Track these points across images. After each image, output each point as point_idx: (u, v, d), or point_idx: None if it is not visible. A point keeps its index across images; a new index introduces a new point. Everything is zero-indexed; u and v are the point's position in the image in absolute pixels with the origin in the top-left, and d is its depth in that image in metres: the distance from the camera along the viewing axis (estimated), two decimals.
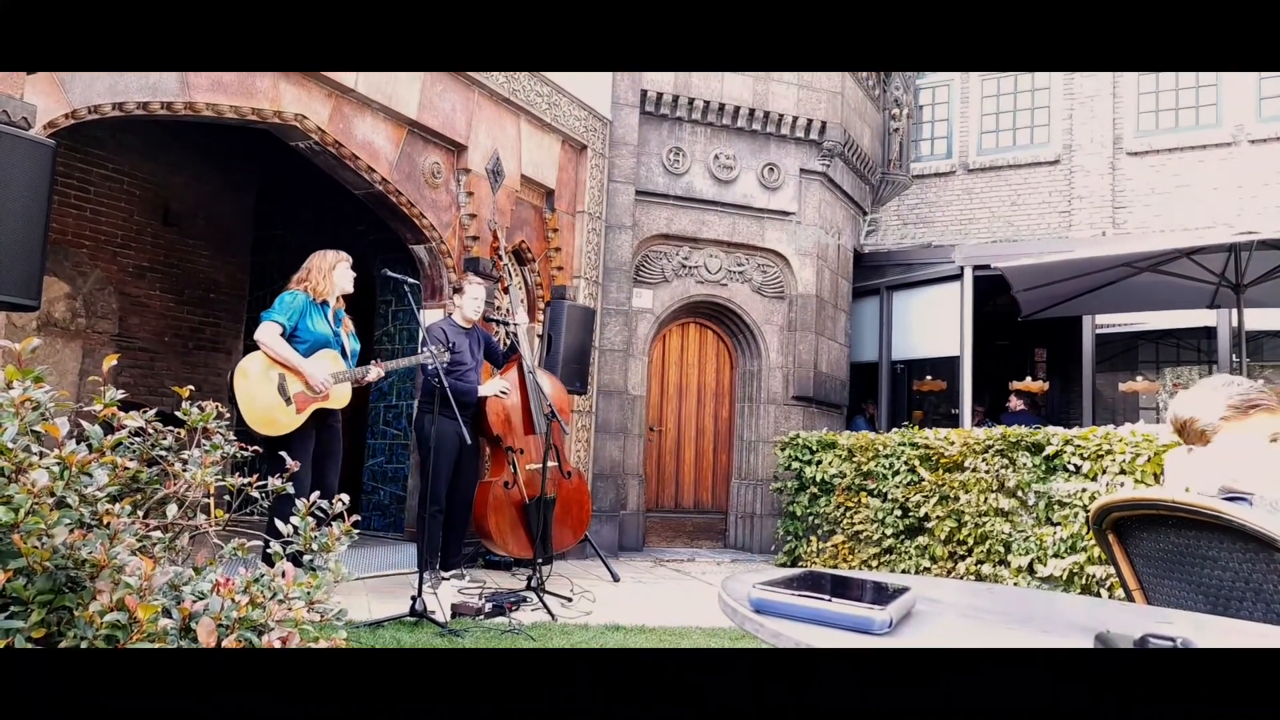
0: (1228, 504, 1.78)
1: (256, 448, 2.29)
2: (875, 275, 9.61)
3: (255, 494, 1.97)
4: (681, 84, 7.82)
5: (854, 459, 6.54)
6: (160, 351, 7.64)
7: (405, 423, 6.68)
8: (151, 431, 1.89)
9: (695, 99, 7.88)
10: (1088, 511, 4.58)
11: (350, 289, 4.47)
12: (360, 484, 6.89)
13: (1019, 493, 5.22)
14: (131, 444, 1.83)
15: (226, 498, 1.99)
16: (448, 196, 6.08)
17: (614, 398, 7.45)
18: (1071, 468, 4.97)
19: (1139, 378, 9.88)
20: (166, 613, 1.32)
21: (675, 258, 8.02)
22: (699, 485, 8.33)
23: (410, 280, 4.58)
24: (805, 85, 8.30)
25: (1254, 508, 1.82)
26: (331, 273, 4.35)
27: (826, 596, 1.13)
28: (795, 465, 7.05)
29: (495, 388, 5.26)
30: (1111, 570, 4.29)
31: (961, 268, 8.75)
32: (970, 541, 5.48)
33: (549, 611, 4.47)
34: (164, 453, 1.89)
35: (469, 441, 4.63)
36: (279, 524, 1.76)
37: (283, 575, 1.51)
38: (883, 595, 1.18)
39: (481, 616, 4.28)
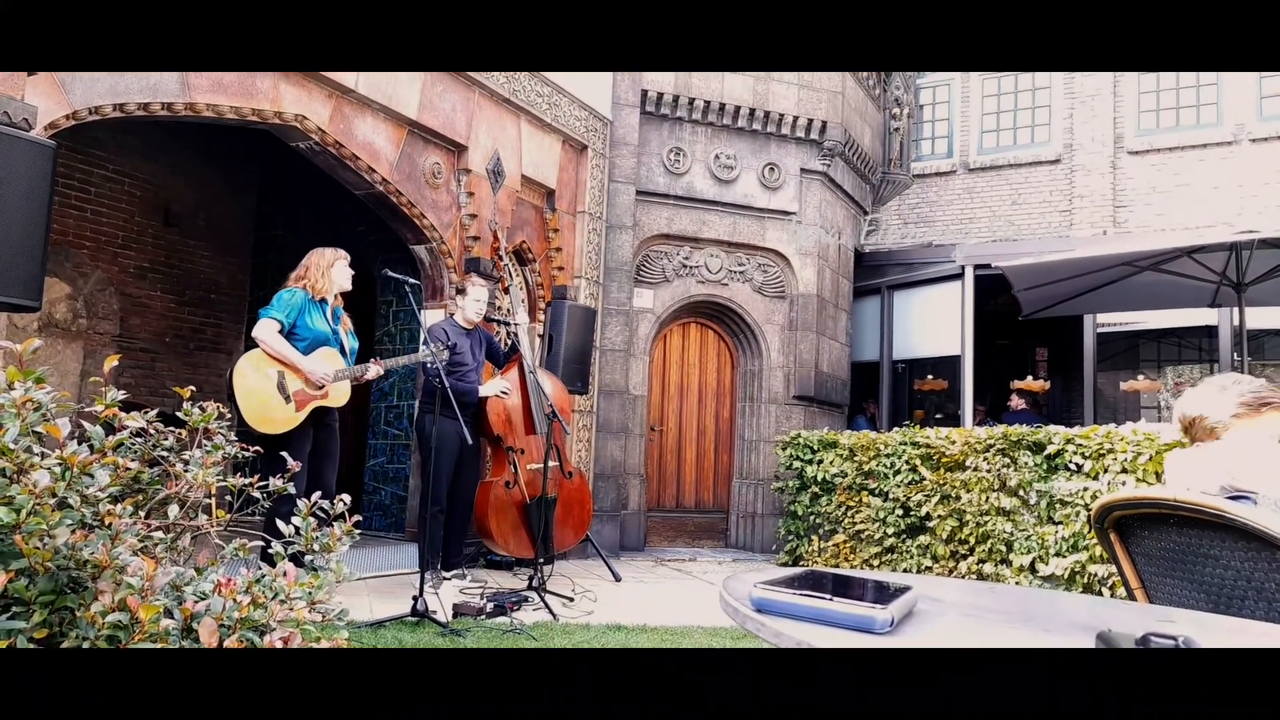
0: (1230, 503, 1.78)
1: (257, 448, 2.29)
2: (876, 275, 9.61)
3: (256, 494, 1.97)
4: (682, 84, 7.82)
5: (855, 458, 6.54)
6: (161, 352, 7.64)
7: (406, 423, 6.68)
8: (153, 432, 1.89)
9: (695, 99, 7.88)
10: (1089, 510, 4.58)
11: (349, 286, 4.46)
12: (361, 484, 6.89)
13: (1020, 492, 5.21)
14: (133, 445, 1.83)
15: (228, 498, 1.99)
16: (448, 197, 6.08)
17: (615, 397, 7.45)
18: (1073, 467, 4.97)
19: (1140, 377, 9.87)
20: (168, 613, 1.32)
21: (676, 257, 8.02)
22: (700, 485, 8.33)
23: (411, 280, 4.58)
24: (806, 85, 8.30)
25: (1258, 507, 1.82)
26: (330, 270, 4.34)
27: (828, 596, 1.13)
28: (796, 465, 7.04)
29: (496, 388, 5.26)
30: (1113, 569, 4.29)
31: (962, 267, 8.75)
32: (972, 540, 5.48)
33: (550, 611, 4.47)
34: (165, 453, 1.89)
35: (470, 441, 4.63)
36: (280, 524, 1.76)
37: (284, 575, 1.51)
38: (884, 594, 1.18)
39: (483, 616, 4.28)
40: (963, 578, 5.47)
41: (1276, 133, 9.40)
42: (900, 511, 6.03)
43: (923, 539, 5.86)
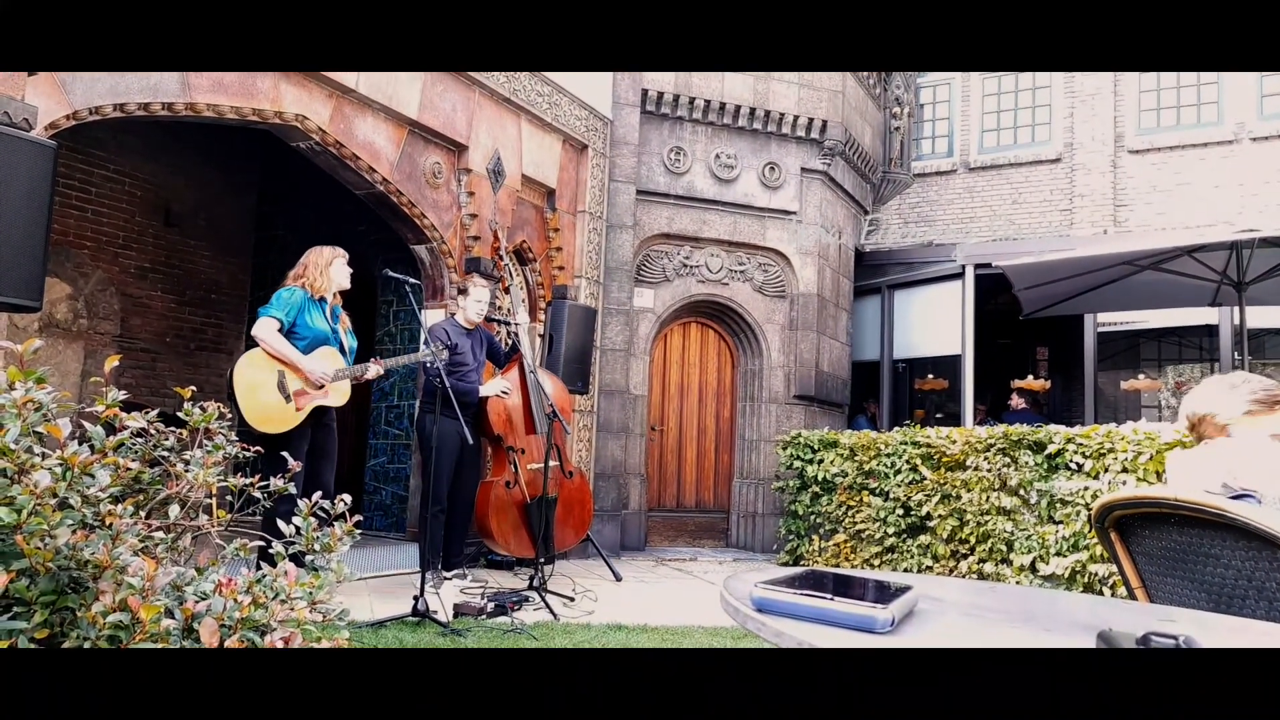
0: (1231, 502, 1.78)
1: (258, 448, 2.29)
2: (877, 274, 9.61)
3: (257, 494, 1.97)
4: (682, 83, 7.82)
5: (856, 458, 6.54)
6: (162, 352, 7.65)
7: (407, 423, 6.69)
8: (153, 432, 1.89)
9: (696, 98, 7.88)
10: (1090, 510, 4.58)
11: (347, 285, 4.44)
12: (362, 484, 6.90)
13: (1021, 491, 5.21)
14: (134, 445, 1.83)
15: (228, 498, 1.99)
16: (449, 196, 6.08)
17: (615, 397, 7.45)
18: (1074, 466, 4.97)
19: (1141, 376, 9.87)
20: (169, 613, 1.32)
21: (676, 257, 8.02)
22: (701, 484, 8.33)
23: (411, 280, 4.57)
24: (806, 84, 8.29)
25: (1263, 506, 1.82)
26: (328, 268, 4.33)
27: (829, 595, 1.13)
28: (797, 464, 7.04)
29: (496, 388, 5.26)
30: (1114, 568, 4.29)
31: (963, 266, 8.75)
32: (972, 540, 5.48)
33: (551, 611, 4.47)
34: (166, 453, 1.89)
35: (470, 441, 4.63)
36: (280, 524, 1.76)
37: (285, 575, 1.51)
38: (885, 594, 1.18)
39: (484, 616, 4.28)
40: (963, 577, 5.47)
41: (1277, 131, 9.39)
42: (901, 511, 6.03)
43: (923, 538, 5.86)
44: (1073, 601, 1.64)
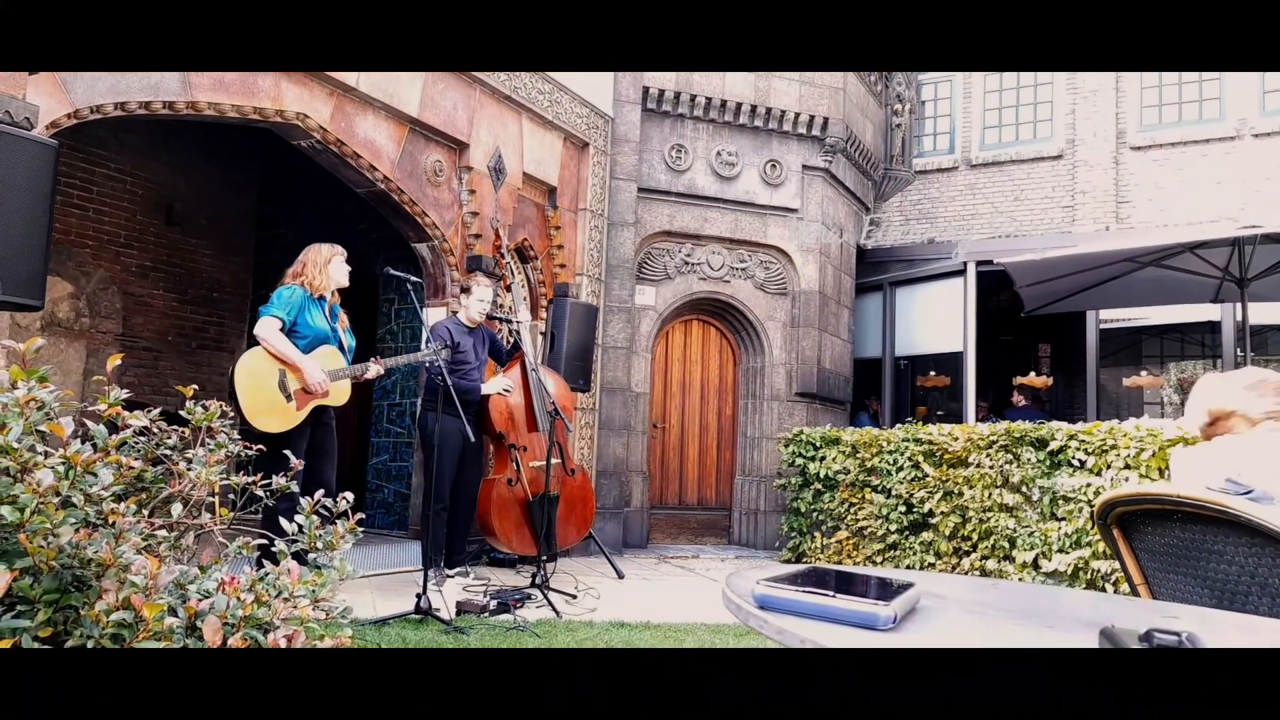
0: (1235, 498, 1.78)
1: (260, 446, 2.29)
2: (878, 271, 9.60)
3: (260, 493, 1.97)
4: (683, 81, 7.81)
5: (858, 455, 6.54)
6: (164, 351, 7.65)
7: (409, 421, 6.69)
8: (156, 431, 1.89)
9: (697, 96, 7.87)
10: (1092, 506, 4.57)
11: (346, 283, 4.42)
12: (364, 482, 6.90)
13: (1023, 488, 5.21)
14: (136, 443, 1.83)
15: (231, 496, 1.99)
16: (450, 194, 6.08)
17: (617, 395, 7.45)
18: (1076, 463, 4.96)
19: (1143, 372, 9.85)
20: (172, 611, 1.32)
21: (678, 255, 8.01)
22: (703, 482, 8.34)
23: (413, 278, 4.57)
24: (807, 81, 8.28)
25: (1273, 503, 1.82)
26: (327, 267, 4.31)
27: (831, 592, 1.13)
28: (799, 461, 7.04)
29: (498, 385, 5.26)
30: (1116, 565, 4.29)
31: (965, 263, 8.74)
32: (975, 537, 5.48)
33: (554, 609, 4.48)
34: (168, 452, 1.89)
35: (472, 439, 4.63)
36: (283, 522, 1.76)
37: (288, 573, 1.51)
38: (887, 591, 1.18)
39: (486, 614, 4.29)
40: (966, 574, 5.47)
41: (1279, 128, 9.37)
42: (903, 508, 6.02)
43: (926, 535, 5.86)
44: (1075, 598, 1.64)
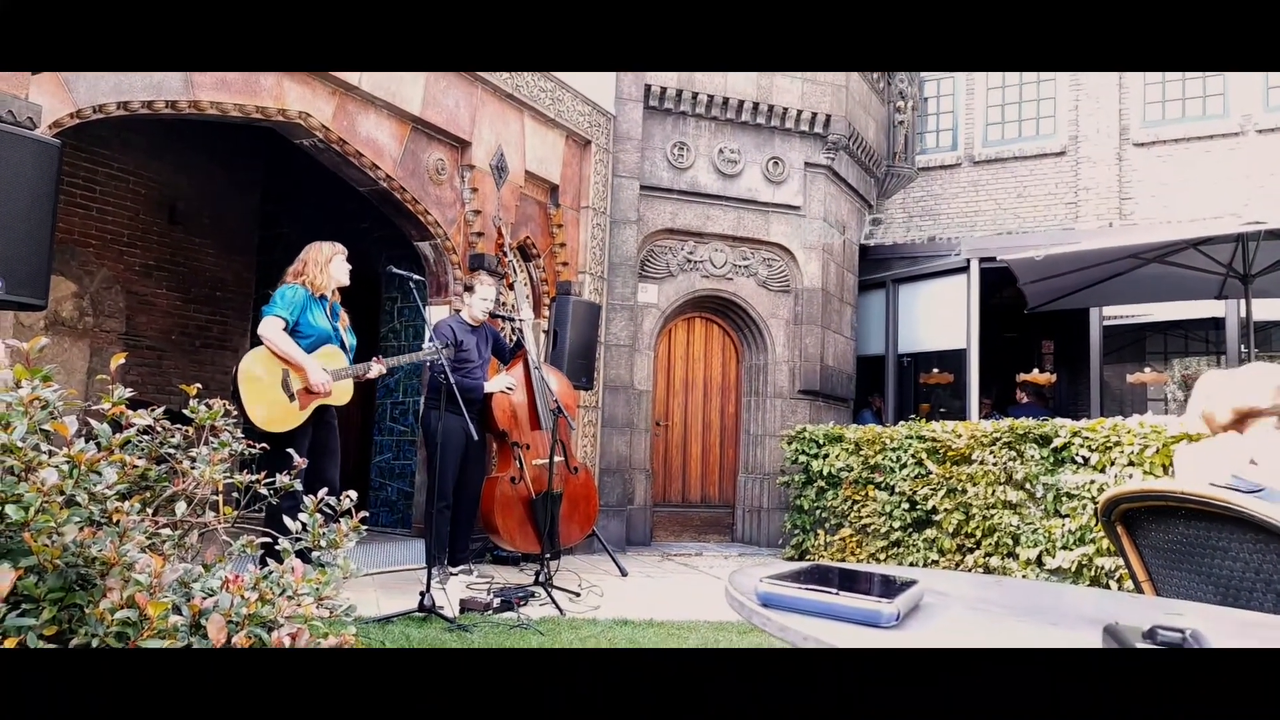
0: (1239, 495, 1.78)
1: (264, 445, 2.29)
2: (881, 268, 9.59)
3: (264, 491, 1.97)
4: (685, 78, 7.80)
5: (861, 452, 6.53)
6: (167, 350, 7.67)
7: (412, 419, 6.70)
8: (160, 429, 1.89)
9: (699, 93, 7.86)
10: (1096, 503, 4.57)
11: (346, 281, 4.41)
12: (368, 480, 6.91)
13: (1027, 485, 5.20)
14: (140, 442, 1.84)
15: (235, 495, 2.00)
16: (452, 193, 6.08)
17: (620, 393, 7.45)
18: (1080, 459, 4.96)
19: (1147, 369, 9.84)
20: (176, 610, 1.32)
21: (680, 252, 8.01)
22: (706, 480, 8.34)
23: (415, 276, 4.57)
24: (809, 79, 8.27)
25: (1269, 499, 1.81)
26: (328, 265, 4.30)
27: (834, 590, 1.13)
28: (802, 459, 7.04)
29: (501, 384, 5.27)
30: (1120, 562, 4.28)
31: (968, 260, 8.73)
32: (978, 534, 5.47)
33: (557, 606, 4.48)
34: (172, 450, 1.90)
35: (475, 437, 4.63)
36: (287, 520, 1.77)
37: (291, 572, 1.52)
38: (890, 588, 1.18)
39: (490, 612, 4.29)
40: (969, 571, 5.46)
41: None
42: (906, 505, 6.02)
43: (929, 533, 5.86)
44: (1079, 595, 1.64)
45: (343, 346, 4.34)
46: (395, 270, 4.56)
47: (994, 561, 5.35)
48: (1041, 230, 10.11)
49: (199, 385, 2.06)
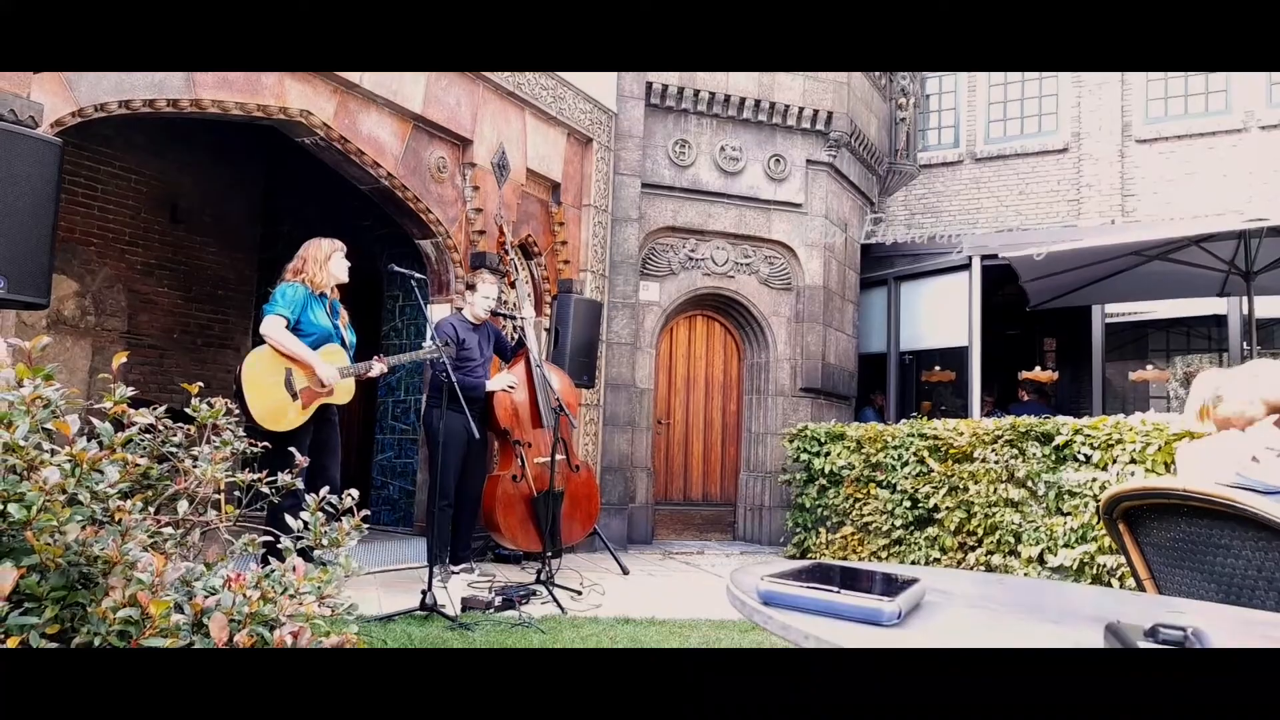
0: (1242, 492, 1.78)
1: (265, 443, 2.30)
2: (883, 266, 9.58)
3: (266, 490, 1.98)
4: (687, 76, 7.79)
5: (863, 450, 6.53)
6: (169, 348, 7.67)
7: (414, 418, 6.70)
8: (162, 428, 1.89)
9: (701, 91, 7.86)
10: (1098, 501, 4.56)
11: (345, 279, 4.40)
12: (369, 479, 6.91)
13: (1029, 483, 5.20)
14: (142, 441, 1.84)
15: (236, 494, 2.00)
16: (453, 191, 6.08)
17: (621, 391, 7.45)
18: (1081, 457, 4.95)
19: (1149, 366, 9.83)
20: (178, 608, 1.33)
21: (682, 250, 8.01)
22: (707, 478, 8.34)
23: (417, 275, 4.57)
24: (811, 76, 8.26)
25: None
26: (327, 263, 4.29)
27: (835, 588, 1.13)
28: (804, 457, 7.04)
29: (503, 382, 5.27)
30: (1122, 560, 4.28)
31: (969, 257, 8.71)
32: (980, 532, 5.47)
33: (559, 605, 4.48)
34: (174, 449, 1.90)
35: (477, 436, 4.63)
36: (289, 519, 1.77)
37: (293, 570, 1.52)
38: (892, 586, 1.18)
39: (491, 610, 4.30)
40: (971, 569, 5.46)
41: None
42: (908, 503, 6.02)
43: (931, 531, 5.85)
44: (1080, 593, 1.64)
45: (343, 344, 4.34)
46: (396, 269, 4.56)
47: (996, 559, 5.35)
48: (1043, 227, 10.10)
49: (201, 384, 2.06)
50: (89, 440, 1.47)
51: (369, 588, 4.73)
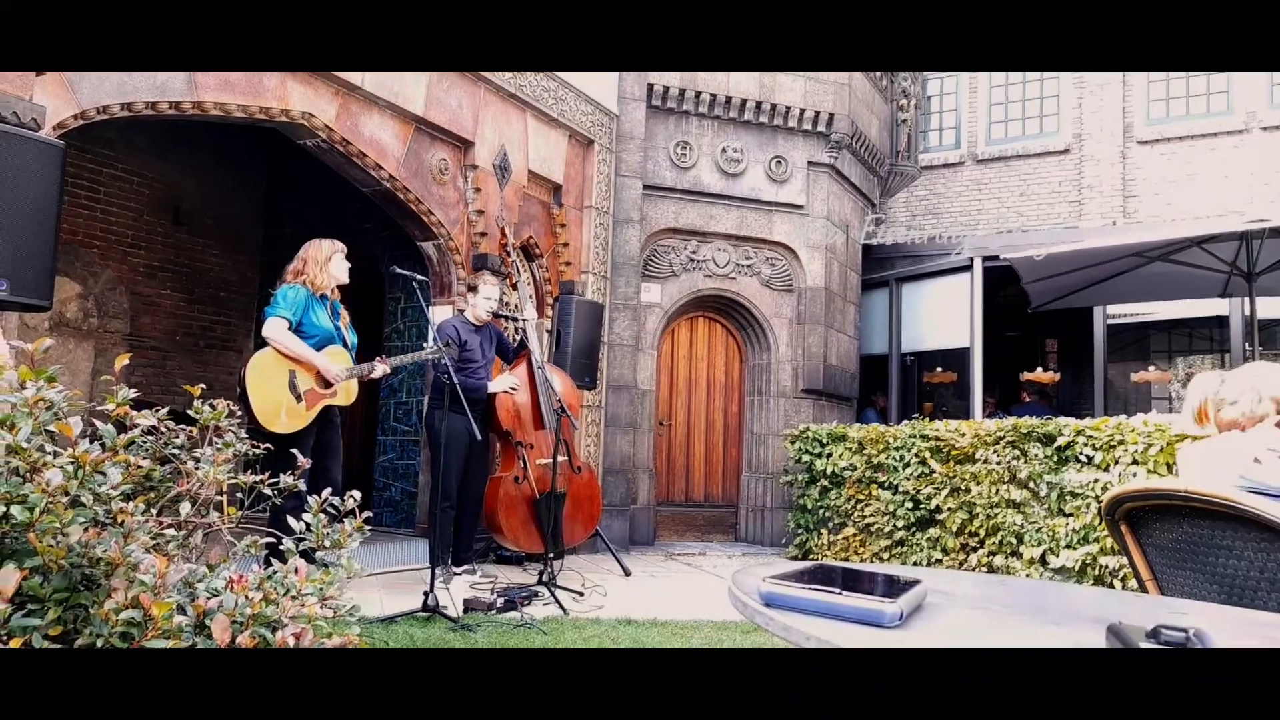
0: (1244, 494, 1.77)
1: (268, 445, 2.30)
2: (884, 267, 9.58)
3: (268, 491, 1.98)
4: (688, 77, 7.80)
5: (864, 451, 6.53)
6: (172, 350, 7.68)
7: (416, 419, 6.70)
8: (164, 430, 1.89)
9: (702, 92, 7.86)
10: (1100, 502, 4.56)
11: (346, 279, 4.40)
12: (371, 480, 6.92)
13: (1031, 484, 5.20)
14: (144, 443, 1.84)
15: (239, 495, 2.00)
16: (455, 193, 6.08)
17: (623, 392, 7.45)
18: (1083, 458, 4.95)
19: (1151, 368, 9.82)
20: (181, 610, 1.33)
21: (683, 252, 8.01)
22: (709, 479, 8.33)
23: (419, 277, 4.57)
24: (812, 77, 8.26)
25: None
26: (327, 265, 4.29)
27: (837, 589, 1.13)
28: (805, 458, 7.03)
29: (505, 384, 5.27)
30: (1124, 561, 4.28)
31: (971, 259, 8.71)
32: (982, 533, 5.46)
33: (561, 606, 4.48)
34: (176, 451, 1.90)
35: (479, 438, 4.63)
36: (291, 520, 1.77)
37: (296, 572, 1.52)
38: (894, 588, 1.18)
39: (494, 611, 4.30)
40: (973, 570, 5.45)
41: None
42: (910, 504, 6.01)
43: (933, 532, 5.85)
44: (1082, 594, 1.64)
45: (345, 345, 4.34)
46: (398, 270, 4.56)
47: (997, 561, 5.35)
48: (1045, 228, 10.10)
49: (203, 386, 2.07)
50: (91, 442, 1.48)
51: (371, 589, 4.73)
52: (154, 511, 1.71)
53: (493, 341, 5.35)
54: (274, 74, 4.82)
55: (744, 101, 8.00)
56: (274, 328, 4.05)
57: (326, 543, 1.72)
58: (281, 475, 2.03)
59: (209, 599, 1.36)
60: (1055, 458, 5.11)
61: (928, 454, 5.94)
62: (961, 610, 1.29)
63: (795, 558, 7.00)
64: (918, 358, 9.77)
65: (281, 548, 1.66)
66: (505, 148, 6.35)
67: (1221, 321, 8.81)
